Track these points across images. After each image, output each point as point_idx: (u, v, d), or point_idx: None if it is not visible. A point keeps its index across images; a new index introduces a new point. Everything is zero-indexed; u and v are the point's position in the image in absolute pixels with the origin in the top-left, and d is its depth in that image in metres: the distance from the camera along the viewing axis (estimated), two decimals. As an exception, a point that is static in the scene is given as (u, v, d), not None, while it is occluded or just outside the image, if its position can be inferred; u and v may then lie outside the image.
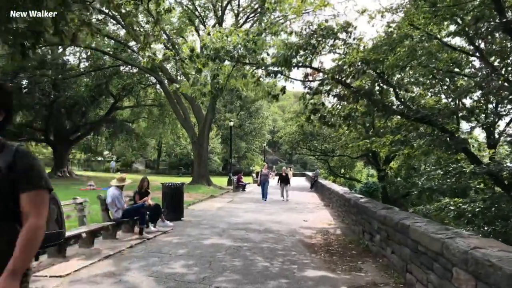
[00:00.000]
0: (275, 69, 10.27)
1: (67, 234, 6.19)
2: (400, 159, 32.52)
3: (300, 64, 11.22)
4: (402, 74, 14.14)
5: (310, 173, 44.95)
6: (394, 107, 12.89)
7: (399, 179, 34.29)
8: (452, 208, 11.20)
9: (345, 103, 11.47)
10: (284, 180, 20.08)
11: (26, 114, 30.32)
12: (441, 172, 12.22)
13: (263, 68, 10.60)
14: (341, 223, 12.21)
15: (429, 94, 16.43)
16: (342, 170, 43.47)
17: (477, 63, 19.13)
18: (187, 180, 28.49)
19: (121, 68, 33.40)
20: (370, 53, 10.90)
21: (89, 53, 32.21)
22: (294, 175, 56.70)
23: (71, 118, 33.51)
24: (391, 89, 13.04)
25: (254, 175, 40.42)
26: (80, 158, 57.44)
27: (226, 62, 10.95)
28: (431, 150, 12.72)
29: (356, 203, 10.13)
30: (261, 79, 10.84)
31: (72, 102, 30.74)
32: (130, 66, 33.25)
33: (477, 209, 10.06)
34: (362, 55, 10.87)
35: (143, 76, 33.93)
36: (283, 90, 10.85)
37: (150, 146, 57.65)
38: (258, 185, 20.30)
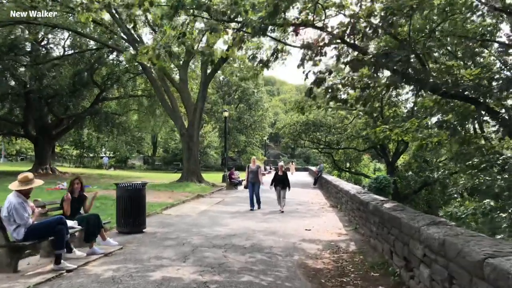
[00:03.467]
0: (263, 25, 7.36)
1: None
2: (413, 150, 29.77)
3: (298, 22, 8.34)
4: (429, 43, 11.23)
5: (313, 168, 41.98)
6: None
7: (410, 173, 31.52)
8: (503, 215, 8.28)
9: (361, 71, 8.59)
10: (280, 182, 13.44)
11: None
12: (484, 165, 9.27)
13: (246, 28, 7.68)
14: (355, 233, 9.34)
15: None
16: (348, 164, 40.57)
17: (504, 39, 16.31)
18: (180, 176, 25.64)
19: (109, 56, 30.62)
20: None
21: (72, 39, 29.41)
22: (297, 169, 53.93)
23: (52, 110, 30.68)
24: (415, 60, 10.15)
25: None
26: (71, 154, 54.64)
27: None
28: (471, 137, 9.85)
29: (378, 209, 7.25)
30: (245, 40, 7.93)
31: (52, 92, 27.88)
32: (116, 54, 30.42)
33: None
34: (382, 5, 7.98)
35: (131, 64, 31.01)
36: (275, 55, 7.95)
37: (145, 141, 55.03)
38: (245, 187, 14.46)
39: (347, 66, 8.31)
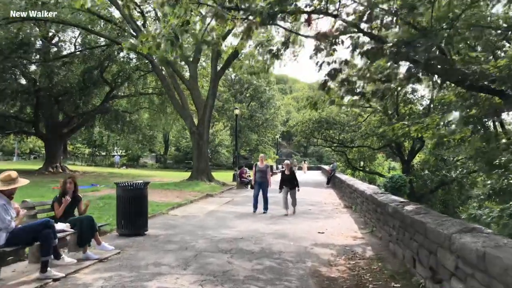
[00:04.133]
0: (272, 11, 6.75)
1: None
2: (430, 148, 28.89)
3: (309, 9, 7.72)
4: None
5: (326, 167, 41.17)
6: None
7: (426, 172, 30.69)
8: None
9: (378, 63, 7.93)
10: (288, 182, 12.18)
11: (8, 104, 27.29)
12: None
13: (254, 16, 7.10)
14: (371, 236, 8.70)
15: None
16: (362, 163, 39.68)
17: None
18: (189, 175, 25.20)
19: (119, 54, 30.29)
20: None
21: (83, 37, 29.15)
22: (309, 168, 53.19)
23: (62, 109, 30.52)
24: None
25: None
26: (83, 153, 54.73)
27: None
28: (496, 134, 9.12)
29: (398, 212, 6.61)
30: (253, 29, 7.34)
31: (62, 89, 27.68)
32: (126, 52, 30.04)
33: None
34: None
35: (142, 61, 30.65)
36: (287, 44, 7.35)
37: (157, 140, 54.87)
38: (252, 187, 12.76)
39: (363, 56, 7.65)
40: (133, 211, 7.93)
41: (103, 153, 55.64)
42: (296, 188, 12.24)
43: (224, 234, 8.53)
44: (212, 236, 8.30)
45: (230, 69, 38.28)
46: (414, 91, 27.67)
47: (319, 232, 9.13)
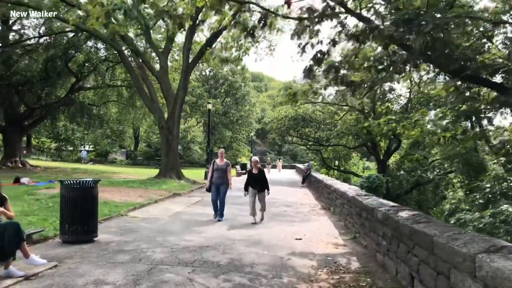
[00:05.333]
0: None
1: None
2: (406, 148, 28.53)
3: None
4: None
5: (301, 165, 40.42)
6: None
7: (402, 172, 30.34)
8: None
9: (364, 51, 6.94)
10: (257, 182, 10.14)
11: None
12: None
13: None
14: (355, 244, 7.73)
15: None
16: (336, 162, 39.12)
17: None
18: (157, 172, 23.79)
19: (86, 42, 28.47)
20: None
21: (48, 24, 27.20)
22: (284, 167, 52.34)
23: (23, 99, 28.53)
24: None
25: (238, 167, 35.63)
26: (49, 147, 52.16)
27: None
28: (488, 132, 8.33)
29: (390, 219, 5.64)
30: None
31: (21, 79, 25.79)
32: (93, 40, 28.31)
33: None
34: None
35: (110, 51, 28.96)
36: (264, 22, 6.27)
37: (127, 135, 52.95)
38: (208, 189, 10.44)
39: (352, 39, 6.65)
40: (79, 214, 6.69)
41: (70, 148, 53.20)
42: (266, 191, 10.20)
43: (187, 241, 7.39)
44: (173, 243, 7.14)
45: (205, 64, 36.90)
46: (391, 89, 27.22)
47: (296, 239, 8.11)
